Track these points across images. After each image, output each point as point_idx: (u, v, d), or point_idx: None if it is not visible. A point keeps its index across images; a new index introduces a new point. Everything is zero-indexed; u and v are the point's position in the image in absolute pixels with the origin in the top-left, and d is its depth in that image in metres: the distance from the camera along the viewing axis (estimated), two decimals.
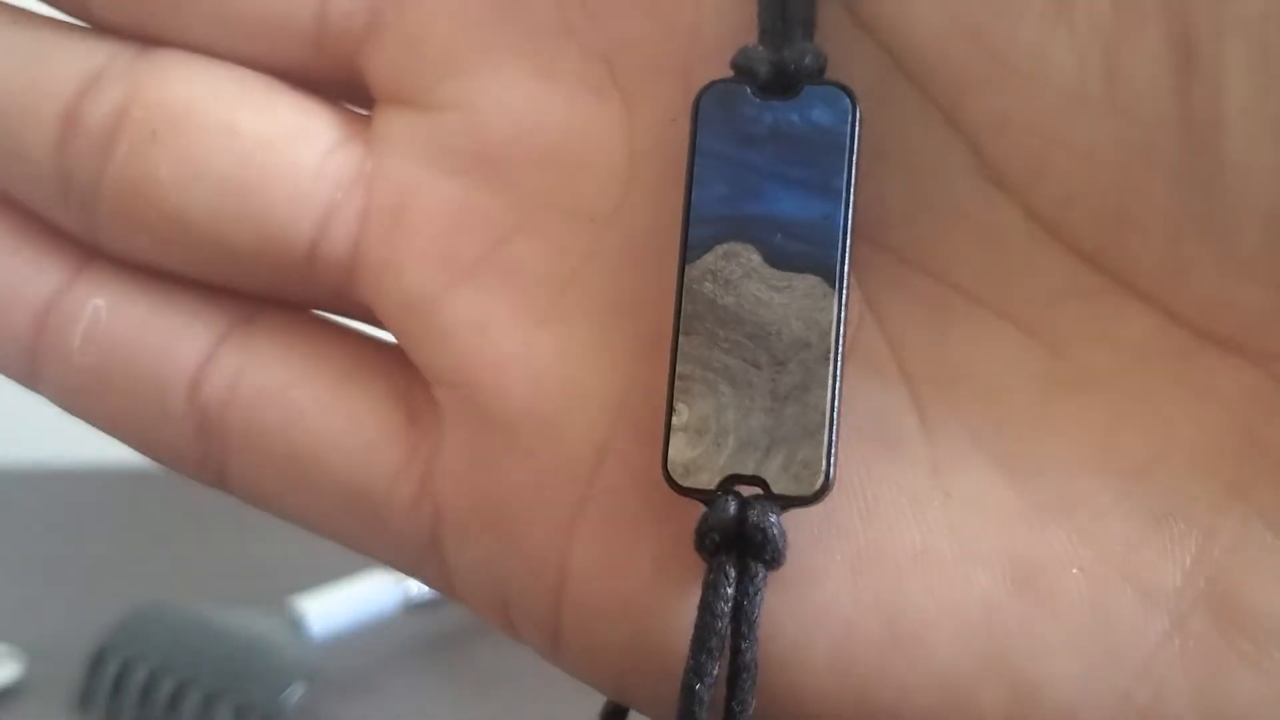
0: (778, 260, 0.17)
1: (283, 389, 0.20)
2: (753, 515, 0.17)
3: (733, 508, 0.17)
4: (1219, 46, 0.16)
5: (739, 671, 0.17)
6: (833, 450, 0.17)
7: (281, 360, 0.20)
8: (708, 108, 0.18)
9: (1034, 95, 0.17)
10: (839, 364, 0.17)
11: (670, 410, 0.17)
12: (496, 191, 0.19)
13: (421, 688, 0.51)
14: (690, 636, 0.17)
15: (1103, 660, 0.16)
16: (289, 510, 0.21)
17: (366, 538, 0.20)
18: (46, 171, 0.20)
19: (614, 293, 0.19)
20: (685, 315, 0.17)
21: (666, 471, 0.17)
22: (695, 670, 0.17)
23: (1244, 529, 0.16)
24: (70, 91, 0.20)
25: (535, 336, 0.19)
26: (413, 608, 0.53)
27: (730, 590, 0.17)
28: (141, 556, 0.60)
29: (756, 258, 0.17)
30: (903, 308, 0.18)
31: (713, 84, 0.18)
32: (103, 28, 0.20)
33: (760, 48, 0.18)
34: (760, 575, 0.17)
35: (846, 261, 0.17)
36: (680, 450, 0.17)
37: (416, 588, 0.53)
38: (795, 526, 0.17)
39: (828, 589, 0.17)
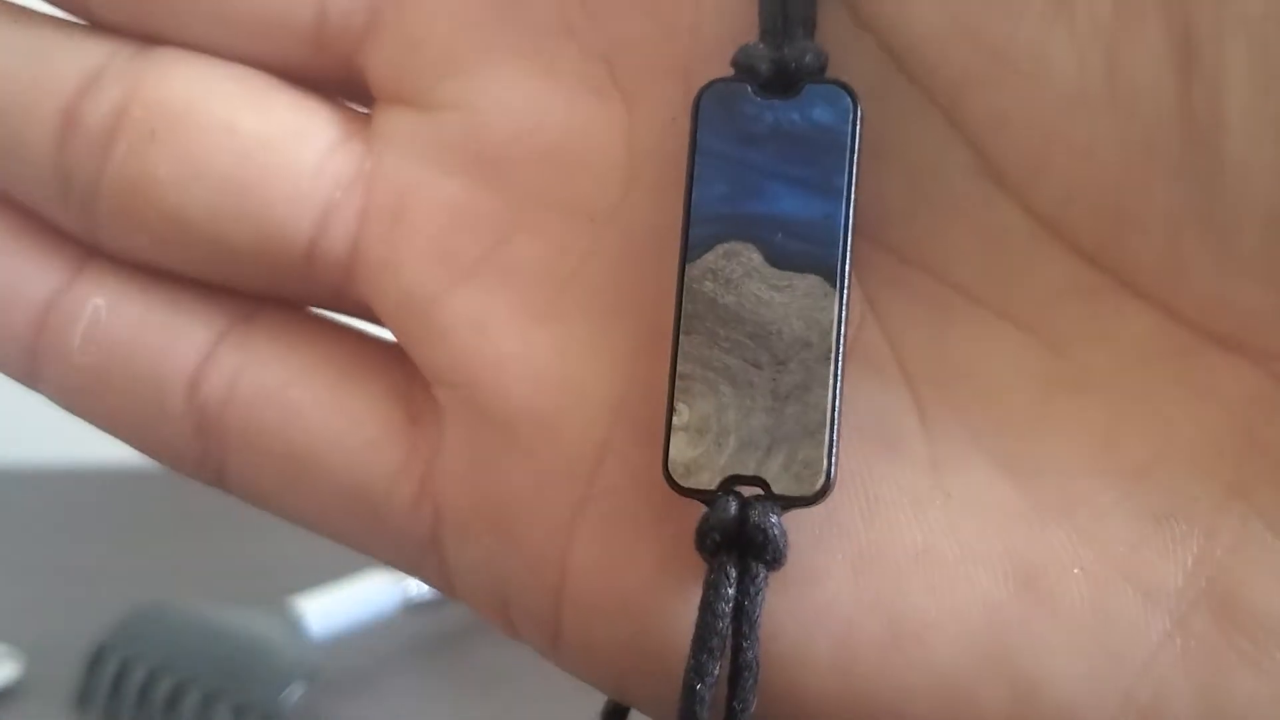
0: (778, 259, 0.17)
1: (281, 388, 0.20)
2: (753, 515, 0.17)
3: (733, 508, 0.17)
4: (1219, 45, 0.16)
5: (740, 671, 0.17)
6: (834, 450, 0.17)
7: (280, 359, 0.20)
8: (708, 106, 0.18)
9: (1034, 93, 0.17)
10: (840, 364, 0.17)
11: (671, 410, 0.17)
12: (496, 191, 0.19)
13: (421, 688, 0.51)
14: (691, 636, 0.17)
15: (1104, 660, 0.16)
16: (288, 509, 0.20)
17: (366, 537, 0.20)
18: (46, 170, 0.20)
19: (614, 292, 0.19)
20: (686, 315, 0.17)
21: (667, 471, 0.17)
22: (696, 670, 0.17)
23: (1244, 529, 0.16)
24: (70, 90, 0.20)
25: (535, 336, 0.19)
26: (412, 607, 0.53)
27: (731, 590, 0.17)
28: (141, 556, 0.60)
29: (757, 257, 0.17)
30: (903, 307, 0.18)
31: (713, 83, 0.18)
32: (103, 26, 0.20)
33: (761, 46, 0.18)
34: (761, 575, 0.17)
35: (847, 261, 0.17)
36: (681, 450, 0.17)
37: (416, 588, 0.53)
38: (796, 526, 0.17)
39: (829, 589, 0.17)
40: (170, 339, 0.20)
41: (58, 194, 0.20)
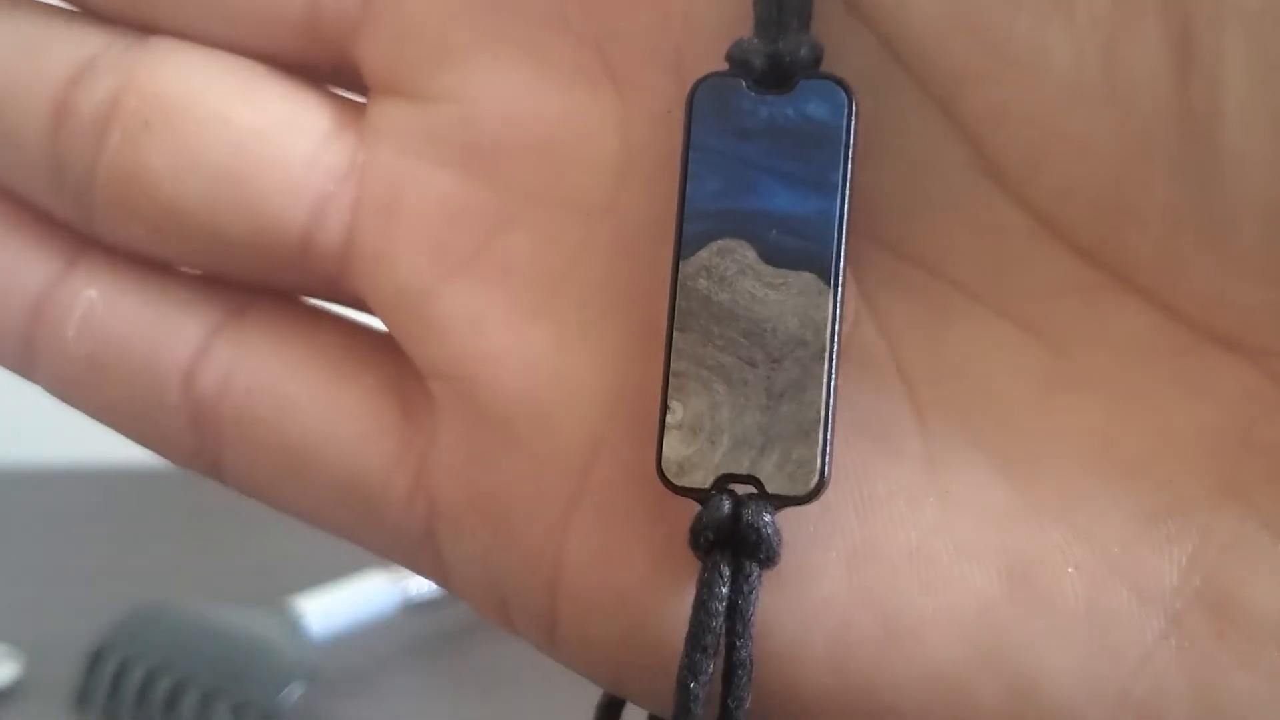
0: (773, 257, 0.17)
1: (276, 382, 0.20)
2: (747, 515, 0.17)
3: (727, 507, 0.17)
4: (1217, 39, 0.16)
5: (734, 669, 0.17)
6: (828, 449, 0.17)
7: (275, 353, 0.20)
8: (702, 101, 0.18)
9: (1032, 87, 0.17)
10: (834, 362, 0.17)
11: (664, 408, 0.17)
12: (490, 183, 0.19)
13: (420, 687, 0.51)
14: (685, 633, 0.17)
15: (1099, 658, 0.16)
16: (284, 502, 0.21)
17: (361, 530, 0.20)
18: (40, 159, 0.20)
19: (608, 286, 0.19)
20: (680, 312, 0.17)
21: (661, 470, 0.17)
22: (690, 668, 0.17)
23: (1240, 528, 0.16)
24: (63, 79, 0.20)
25: (529, 330, 0.19)
26: (412, 607, 0.53)
27: (725, 589, 0.17)
28: (140, 556, 0.60)
29: (752, 254, 0.17)
30: (899, 304, 0.18)
31: (707, 77, 0.18)
32: (96, 14, 0.20)
33: (755, 39, 0.17)
34: (755, 574, 0.17)
35: (842, 258, 0.17)
36: (674, 448, 0.17)
37: (416, 587, 0.53)
38: (791, 523, 0.17)
39: (824, 586, 0.17)
40: (165, 332, 0.20)
41: (52, 183, 0.20)
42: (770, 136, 0.17)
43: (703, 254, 0.17)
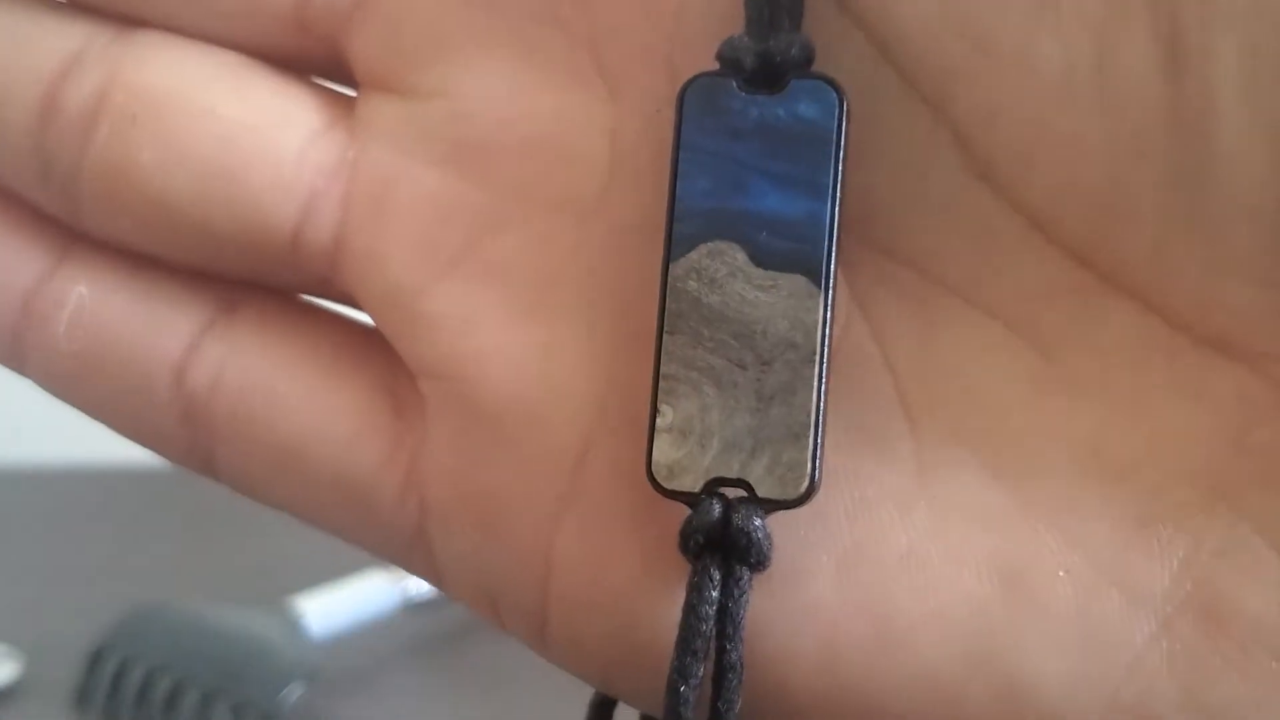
0: (763, 259, 0.17)
1: (267, 379, 0.20)
2: (737, 519, 0.17)
3: (716, 511, 0.17)
4: (1208, 40, 0.16)
5: (724, 672, 0.17)
6: (818, 453, 0.17)
7: (266, 350, 0.20)
8: (692, 101, 0.17)
9: (1022, 87, 0.17)
10: (825, 365, 0.17)
11: (654, 411, 0.17)
12: (480, 181, 0.19)
13: (420, 687, 0.51)
14: (676, 635, 0.17)
15: (1089, 662, 0.16)
16: (276, 499, 0.21)
17: (353, 528, 0.20)
18: (27, 154, 0.20)
19: (598, 286, 0.18)
20: (669, 314, 0.17)
21: (650, 473, 0.17)
22: (680, 672, 0.17)
23: (1231, 533, 0.16)
24: (50, 73, 0.20)
25: (519, 330, 0.19)
26: (412, 607, 0.53)
27: (715, 593, 0.17)
28: (140, 556, 0.60)
29: (742, 256, 0.17)
30: (890, 305, 0.18)
31: (698, 77, 0.17)
32: (83, 7, 0.20)
33: (746, 39, 0.17)
34: (745, 578, 0.17)
35: (833, 261, 0.17)
36: (664, 451, 0.17)
37: (416, 587, 0.53)
38: (782, 526, 0.17)
39: (814, 589, 0.17)
40: (156, 328, 0.20)
41: (39, 178, 0.20)
42: (761, 137, 0.17)
43: (693, 255, 0.17)
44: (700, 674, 0.17)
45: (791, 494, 0.17)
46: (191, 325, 0.20)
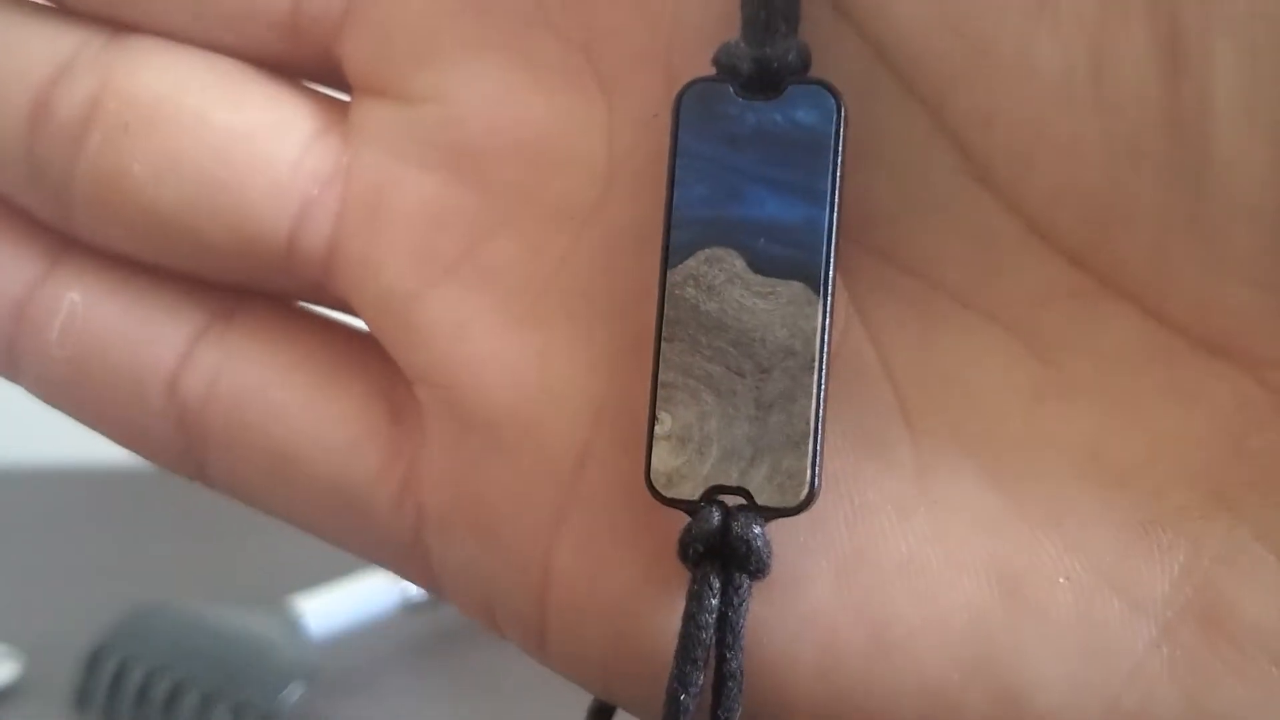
0: (761, 265, 0.17)
1: (262, 387, 0.20)
2: (736, 527, 0.17)
3: (716, 519, 0.17)
4: (1207, 43, 0.16)
5: (724, 680, 0.17)
6: (818, 460, 0.17)
7: (262, 358, 0.20)
8: (689, 107, 0.17)
9: (1019, 90, 0.17)
10: (824, 372, 0.17)
11: (653, 419, 0.17)
12: (475, 187, 0.19)
13: (420, 687, 0.51)
14: (675, 644, 0.17)
15: (1090, 668, 0.16)
16: (271, 506, 0.20)
17: (350, 535, 0.20)
18: (19, 160, 0.20)
19: (595, 293, 0.18)
20: (667, 321, 0.17)
21: (649, 481, 0.17)
22: (680, 680, 0.17)
23: (1231, 538, 0.16)
24: (42, 79, 0.20)
25: (515, 337, 0.19)
26: (411, 607, 0.53)
27: (714, 601, 0.17)
28: (140, 556, 0.60)
29: (740, 263, 0.17)
30: (889, 310, 0.18)
31: (694, 82, 0.17)
32: (74, 12, 0.20)
33: (742, 44, 0.17)
34: (745, 586, 0.17)
35: (831, 267, 0.17)
36: (663, 459, 0.17)
37: (415, 588, 0.53)
38: (781, 533, 0.17)
39: (814, 595, 0.17)
40: (149, 335, 0.20)
41: (31, 184, 0.20)
42: (758, 143, 0.17)
43: (690, 262, 0.17)
44: (700, 682, 0.17)
45: (791, 502, 0.17)
46: (186, 332, 0.20)
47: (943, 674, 0.17)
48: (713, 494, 0.17)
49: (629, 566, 0.18)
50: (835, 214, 0.17)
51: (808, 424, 0.17)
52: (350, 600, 0.52)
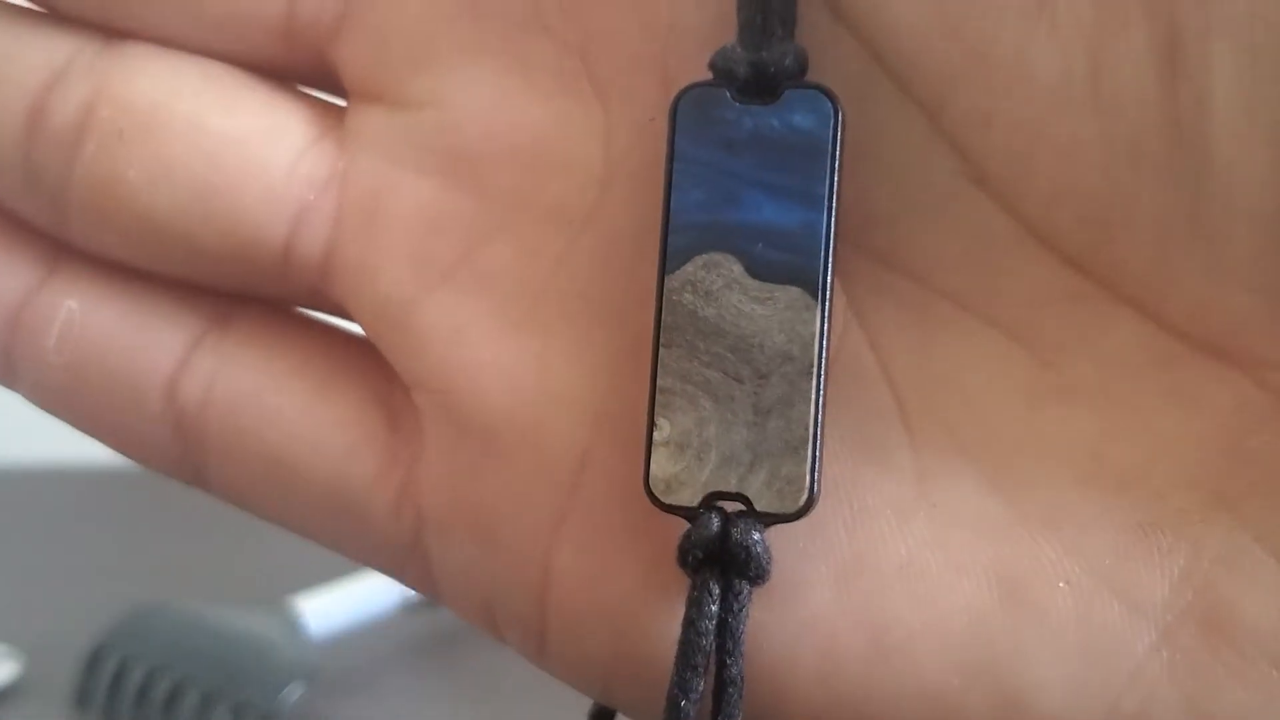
0: (759, 271, 0.17)
1: (259, 393, 0.20)
2: (736, 533, 0.17)
3: (715, 525, 0.17)
4: (1205, 46, 0.16)
5: (724, 686, 0.17)
6: (817, 466, 0.17)
7: (259, 363, 0.20)
8: (685, 112, 0.17)
9: (1017, 93, 0.16)
10: (823, 378, 0.17)
11: (651, 425, 0.17)
12: (471, 192, 0.19)
13: (420, 687, 0.51)
14: (675, 650, 0.17)
15: (1090, 672, 0.16)
16: (269, 512, 0.20)
17: (349, 541, 0.20)
18: (14, 167, 0.20)
19: (592, 297, 0.18)
20: (665, 327, 0.17)
21: (648, 488, 0.17)
22: (680, 686, 0.17)
23: (1231, 541, 0.16)
24: (36, 86, 0.19)
25: (512, 342, 0.19)
26: (411, 607, 0.53)
27: (714, 607, 0.17)
28: (140, 556, 0.60)
29: (738, 268, 0.17)
30: (887, 313, 0.18)
31: (690, 87, 0.17)
32: (68, 18, 0.20)
33: (739, 48, 0.17)
34: (745, 592, 0.17)
35: (829, 272, 0.17)
36: (662, 466, 0.17)
37: None
38: (781, 538, 0.17)
39: (813, 601, 0.17)
40: (146, 341, 0.20)
41: (27, 191, 0.20)
42: (755, 148, 0.17)
43: (688, 268, 0.17)
44: (700, 689, 0.17)
45: (790, 507, 0.17)
46: (183, 338, 0.20)
47: (943, 678, 0.17)
48: (711, 500, 0.17)
49: (629, 571, 0.18)
50: (833, 219, 0.17)
51: (806, 429, 0.17)
52: (350, 600, 0.52)
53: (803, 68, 0.17)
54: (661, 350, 0.17)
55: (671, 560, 0.17)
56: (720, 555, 0.17)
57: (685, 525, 0.17)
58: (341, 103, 0.20)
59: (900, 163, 0.17)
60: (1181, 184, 0.16)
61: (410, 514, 0.19)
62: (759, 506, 0.17)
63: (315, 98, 0.20)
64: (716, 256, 0.17)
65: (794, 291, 0.17)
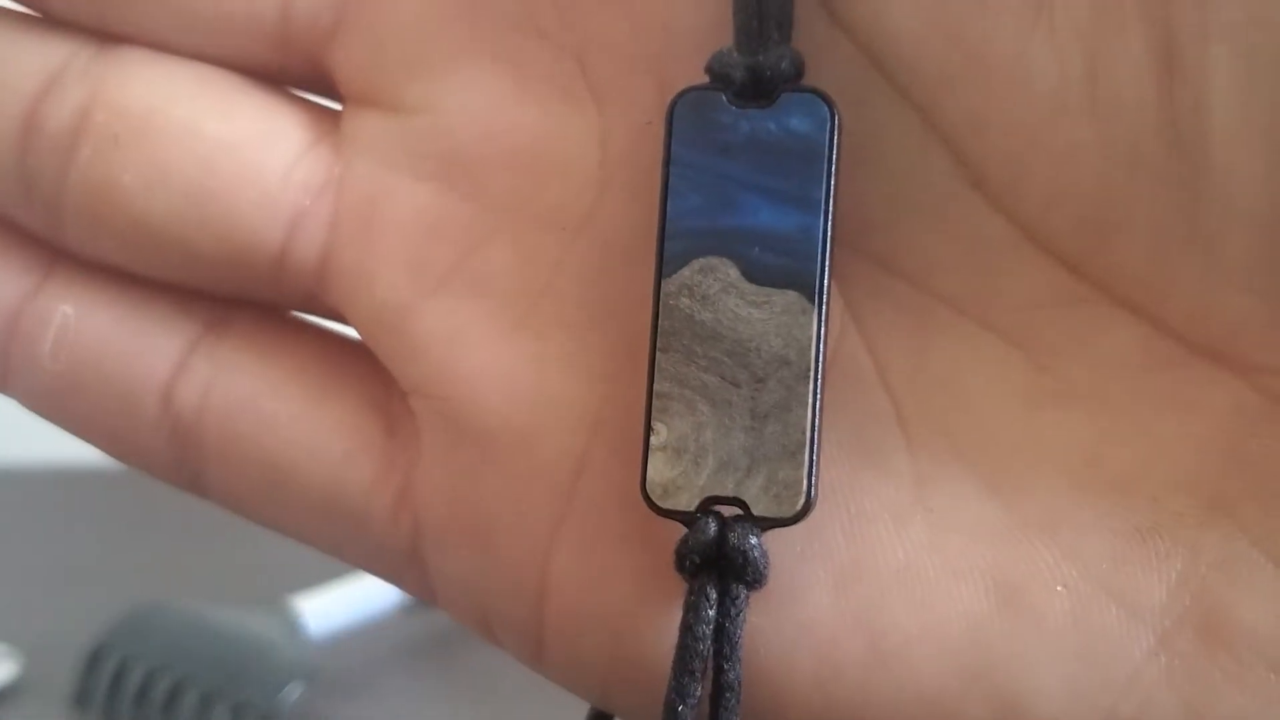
0: (756, 275, 0.17)
1: (256, 399, 0.20)
2: (733, 537, 0.17)
3: (712, 530, 0.17)
4: (1202, 50, 0.16)
5: (722, 691, 0.17)
6: (814, 471, 0.17)
7: (255, 369, 0.20)
8: (682, 115, 0.17)
9: (1013, 97, 0.16)
10: (819, 382, 0.17)
11: (648, 429, 0.17)
12: (468, 197, 0.19)
13: (419, 687, 0.51)
14: (673, 655, 0.17)
15: (1088, 676, 0.16)
16: (266, 517, 0.20)
17: (346, 546, 0.20)
18: (9, 172, 0.20)
19: (588, 302, 0.18)
20: (662, 332, 0.17)
21: (645, 492, 0.17)
22: (678, 691, 0.17)
23: (1228, 545, 0.16)
24: (31, 91, 0.19)
25: (509, 347, 0.18)
26: (411, 608, 0.53)
27: (712, 612, 0.17)
28: (139, 556, 0.59)
29: (734, 272, 0.17)
30: (884, 317, 0.18)
31: (687, 91, 0.17)
32: (62, 23, 0.20)
33: (735, 52, 0.17)
34: (742, 596, 0.17)
35: (826, 276, 0.17)
36: (659, 470, 0.17)
37: None
38: (778, 541, 0.17)
39: (811, 605, 0.17)
40: (142, 347, 0.20)
41: (22, 196, 0.20)
42: (752, 151, 0.17)
43: (684, 272, 0.17)
44: (698, 694, 0.17)
45: (787, 512, 0.17)
46: (179, 344, 0.20)
47: (941, 683, 0.17)
48: (709, 505, 0.17)
49: (626, 576, 0.18)
50: (830, 222, 0.17)
51: (803, 434, 0.17)
52: (350, 600, 0.52)
53: (799, 71, 0.17)
54: (658, 354, 0.17)
55: (669, 565, 0.17)
56: (717, 560, 0.17)
57: (682, 530, 0.17)
58: (337, 107, 0.20)
59: (897, 166, 0.17)
60: (1179, 187, 0.16)
61: (407, 519, 0.19)
62: (756, 511, 0.17)
63: (311, 102, 0.20)
64: (713, 260, 0.17)
65: (791, 295, 0.17)
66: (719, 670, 0.17)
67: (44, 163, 0.19)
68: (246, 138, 0.19)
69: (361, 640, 0.52)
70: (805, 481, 0.17)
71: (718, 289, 0.17)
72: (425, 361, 0.19)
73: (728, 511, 0.17)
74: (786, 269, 0.17)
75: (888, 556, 0.17)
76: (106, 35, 0.20)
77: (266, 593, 0.52)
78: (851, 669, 0.17)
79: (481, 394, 0.18)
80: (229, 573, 0.56)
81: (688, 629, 0.17)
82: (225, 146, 0.19)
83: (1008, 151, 0.17)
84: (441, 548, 0.19)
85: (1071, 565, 0.17)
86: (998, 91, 0.17)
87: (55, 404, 0.20)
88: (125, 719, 0.47)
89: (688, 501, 0.17)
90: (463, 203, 0.19)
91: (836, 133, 0.17)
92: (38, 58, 0.20)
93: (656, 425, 0.17)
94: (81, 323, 0.20)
